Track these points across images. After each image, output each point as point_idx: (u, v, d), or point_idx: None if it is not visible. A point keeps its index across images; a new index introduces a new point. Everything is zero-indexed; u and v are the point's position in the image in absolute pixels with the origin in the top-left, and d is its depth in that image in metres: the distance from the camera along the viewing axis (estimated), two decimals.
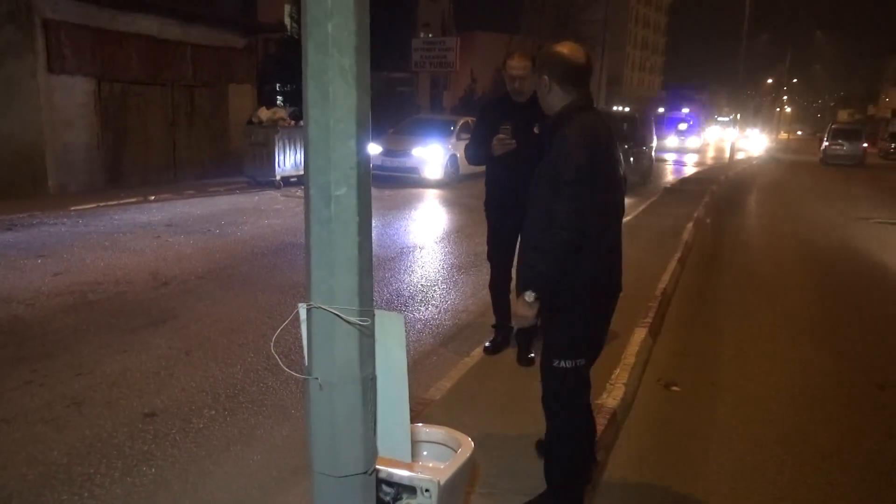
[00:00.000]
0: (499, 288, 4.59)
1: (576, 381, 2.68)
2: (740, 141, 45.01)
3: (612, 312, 2.78)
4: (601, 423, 3.52)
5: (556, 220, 2.44)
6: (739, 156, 29.12)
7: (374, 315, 1.72)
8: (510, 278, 4.58)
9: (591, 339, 2.72)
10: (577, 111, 2.61)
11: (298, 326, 1.79)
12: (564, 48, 2.67)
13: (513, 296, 2.83)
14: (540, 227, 2.51)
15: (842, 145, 30.21)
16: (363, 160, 1.61)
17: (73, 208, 10.20)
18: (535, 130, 4.18)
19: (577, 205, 2.43)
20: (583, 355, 2.66)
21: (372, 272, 1.71)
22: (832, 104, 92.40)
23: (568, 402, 2.72)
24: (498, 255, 4.51)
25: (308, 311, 1.70)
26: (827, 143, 30.99)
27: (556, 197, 2.46)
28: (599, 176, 2.52)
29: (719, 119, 66.53)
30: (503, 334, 4.63)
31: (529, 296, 2.49)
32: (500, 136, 4.11)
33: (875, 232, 11.65)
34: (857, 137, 30.83)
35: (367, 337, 1.70)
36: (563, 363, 2.64)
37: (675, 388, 4.40)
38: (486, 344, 4.61)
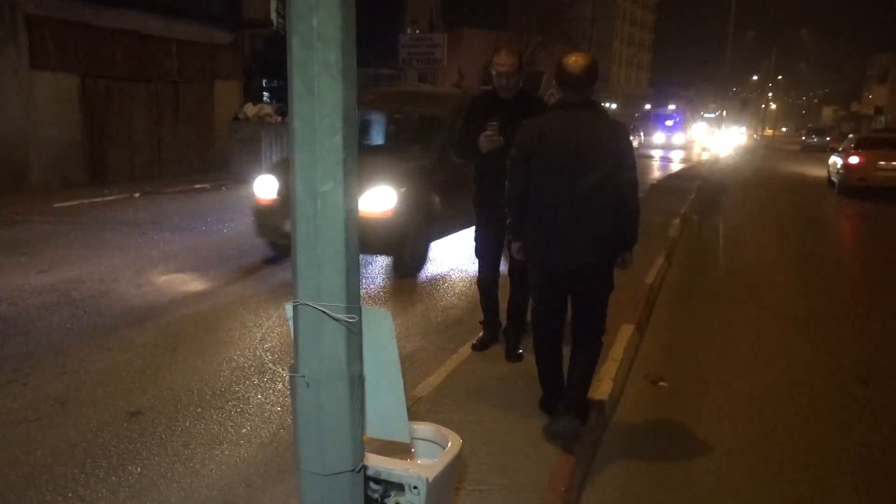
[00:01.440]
0: (486, 284, 4.58)
1: (536, 310, 3.56)
2: (706, 139, 43.20)
3: (564, 286, 3.37)
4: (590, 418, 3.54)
5: (506, 187, 3.41)
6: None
7: (361, 312, 1.71)
8: (498, 274, 4.57)
9: (537, 288, 3.50)
10: (552, 108, 3.38)
11: (285, 323, 1.78)
12: (567, 57, 3.26)
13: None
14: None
15: (814, 139, 41.45)
16: (350, 155, 1.60)
17: (56, 205, 10.10)
18: None
19: (510, 177, 3.36)
20: (532, 294, 3.61)
21: (359, 268, 1.70)
22: (816, 101, 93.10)
23: (534, 322, 3.60)
24: (486, 252, 4.50)
25: (295, 308, 1.69)
26: (804, 138, 44.20)
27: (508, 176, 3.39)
28: (532, 162, 3.21)
29: (705, 115, 66.77)
30: (491, 331, 4.63)
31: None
32: (488, 132, 4.10)
33: (861, 226, 11.77)
34: (824, 133, 42.43)
35: (354, 334, 1.69)
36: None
37: (662, 383, 4.42)
38: (474, 341, 4.61)
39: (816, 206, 15.09)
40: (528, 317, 3.84)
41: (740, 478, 3.31)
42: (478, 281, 4.63)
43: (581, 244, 3.20)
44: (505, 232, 4.38)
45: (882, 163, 15.39)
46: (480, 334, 4.65)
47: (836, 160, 17.30)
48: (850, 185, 15.78)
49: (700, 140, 43.66)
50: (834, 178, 17.24)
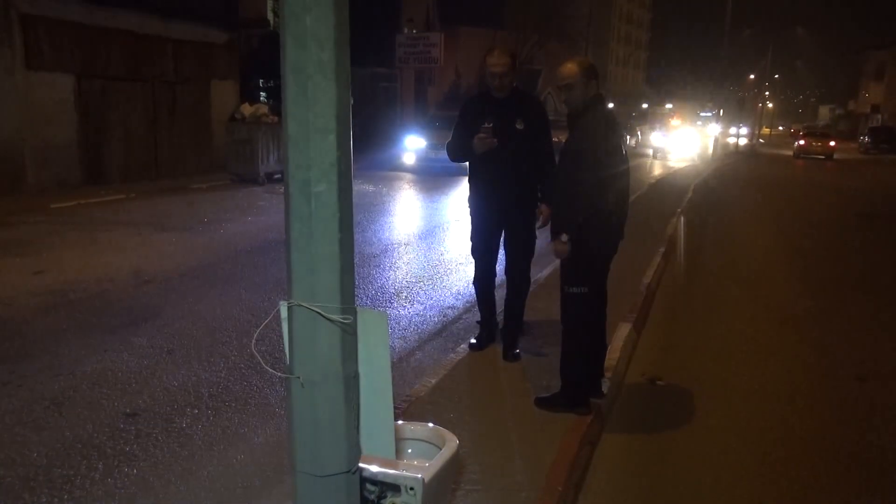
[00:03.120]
0: (483, 283, 4.57)
1: (583, 303, 3.57)
2: (657, 139, 30.39)
3: (614, 255, 3.68)
4: (587, 416, 3.54)
5: (583, 184, 3.36)
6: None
7: (356, 312, 1.70)
8: (495, 273, 4.57)
9: (595, 273, 3.60)
10: (595, 104, 3.50)
11: (281, 324, 1.77)
12: (587, 59, 3.73)
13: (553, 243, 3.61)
14: (569, 190, 3.45)
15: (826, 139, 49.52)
16: (344, 156, 1.59)
17: (53, 206, 10.07)
18: (518, 126, 4.15)
19: (597, 173, 3.37)
20: (586, 284, 3.54)
21: (354, 269, 1.70)
22: (813, 100, 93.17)
23: (577, 320, 3.61)
24: (482, 251, 4.49)
25: (289, 308, 1.68)
26: (800, 132, 50.57)
27: (583, 167, 3.38)
28: (612, 153, 3.46)
29: (702, 114, 66.73)
30: (488, 330, 4.62)
31: (564, 237, 3.44)
32: (481, 135, 4.09)
33: (857, 224, 11.79)
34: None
35: (349, 335, 1.68)
36: (572, 289, 3.55)
37: (659, 382, 4.42)
38: (472, 340, 4.60)
39: (785, 162, 31.28)
40: (562, 315, 3.76)
41: (737, 476, 3.31)
42: (474, 280, 4.62)
43: (625, 220, 3.65)
44: (500, 229, 4.37)
45: (813, 143, 33.34)
46: (477, 333, 4.64)
47: (796, 142, 35.78)
48: (799, 154, 33.66)
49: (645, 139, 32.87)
50: (793, 152, 34.75)
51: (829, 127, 52.21)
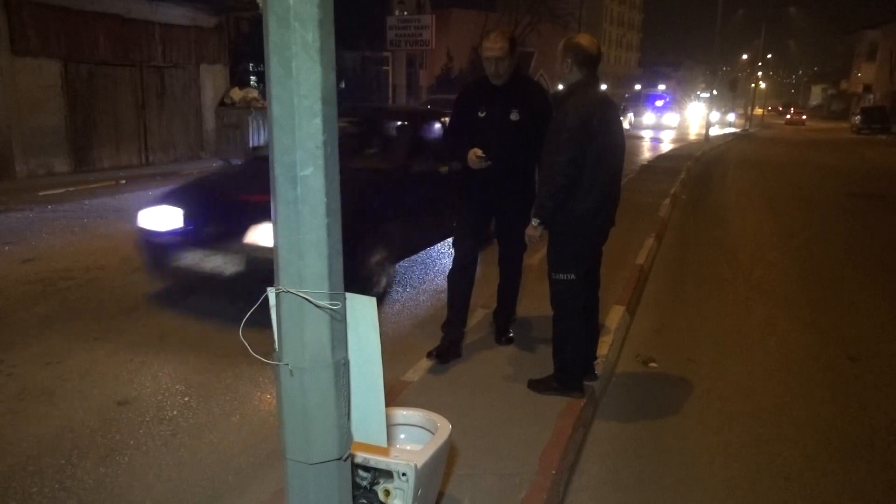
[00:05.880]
0: (460, 276, 4.13)
1: (570, 289, 3.54)
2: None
3: (603, 241, 3.69)
4: (580, 399, 3.54)
5: (556, 168, 3.35)
6: None
7: (345, 298, 1.67)
8: (475, 267, 4.23)
9: (581, 259, 3.56)
10: (581, 88, 3.42)
11: (269, 311, 1.74)
12: (581, 38, 3.53)
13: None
14: (546, 173, 3.44)
15: (800, 113, 64.10)
16: (330, 138, 1.55)
17: (41, 193, 9.98)
18: (513, 117, 3.91)
19: (569, 157, 3.31)
20: (572, 270, 3.51)
21: (342, 254, 1.67)
22: (805, 80, 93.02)
23: (565, 305, 3.58)
24: (466, 240, 4.17)
25: (277, 295, 1.66)
26: (792, 109, 67.00)
27: (556, 151, 3.36)
28: (593, 138, 3.33)
29: (701, 95, 66.45)
30: (453, 339, 4.14)
31: (535, 222, 3.49)
32: (473, 158, 3.86)
33: (849, 205, 11.82)
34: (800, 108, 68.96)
35: (338, 321, 1.65)
36: (559, 275, 3.53)
37: (652, 364, 4.43)
38: (430, 351, 4.13)
39: (780, 127, 48.16)
40: (551, 300, 3.66)
41: (730, 457, 3.32)
42: (450, 273, 4.17)
43: (616, 206, 3.63)
44: (488, 221, 4.26)
45: (793, 116, 56.54)
46: (438, 343, 4.15)
47: (785, 115, 59.51)
48: (787, 122, 55.08)
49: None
50: (784, 122, 55.77)
51: (818, 108, 75.40)
